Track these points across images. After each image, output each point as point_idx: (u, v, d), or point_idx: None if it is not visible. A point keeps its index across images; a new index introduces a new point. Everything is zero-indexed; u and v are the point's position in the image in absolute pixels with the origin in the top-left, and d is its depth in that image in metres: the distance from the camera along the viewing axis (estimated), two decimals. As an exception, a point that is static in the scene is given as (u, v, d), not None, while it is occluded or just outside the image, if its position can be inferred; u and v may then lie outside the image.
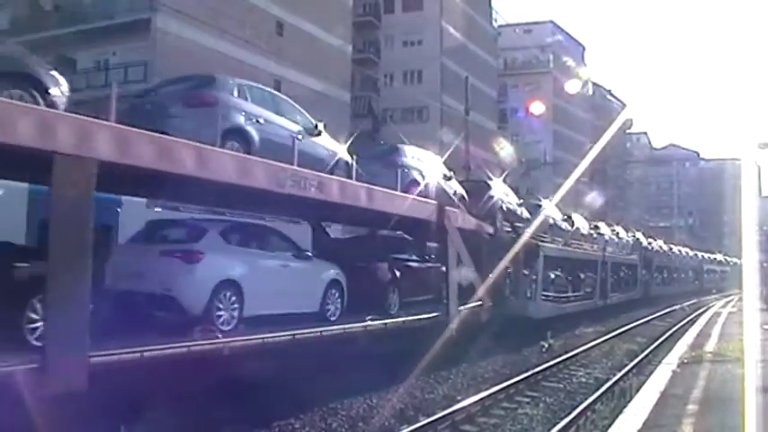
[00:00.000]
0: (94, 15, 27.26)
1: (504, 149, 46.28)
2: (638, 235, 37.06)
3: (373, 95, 43.38)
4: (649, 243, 39.19)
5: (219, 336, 8.48)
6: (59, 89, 7.35)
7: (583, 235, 26.10)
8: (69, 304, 6.57)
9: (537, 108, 47.79)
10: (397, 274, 13.25)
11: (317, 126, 10.98)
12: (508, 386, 11.95)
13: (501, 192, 18.13)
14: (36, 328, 6.80)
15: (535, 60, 64.40)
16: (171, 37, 25.78)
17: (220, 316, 8.87)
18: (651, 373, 11.82)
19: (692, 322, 23.92)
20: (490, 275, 15.40)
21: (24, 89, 6.93)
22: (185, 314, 8.59)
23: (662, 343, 18.79)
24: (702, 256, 59.03)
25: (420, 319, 12.81)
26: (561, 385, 13.02)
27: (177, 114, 8.73)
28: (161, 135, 7.78)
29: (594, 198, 48.77)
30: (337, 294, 11.24)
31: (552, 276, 21.25)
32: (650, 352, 17.06)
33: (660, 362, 13.18)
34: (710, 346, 14.65)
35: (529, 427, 9.82)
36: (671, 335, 20.71)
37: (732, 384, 9.31)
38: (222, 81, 10.03)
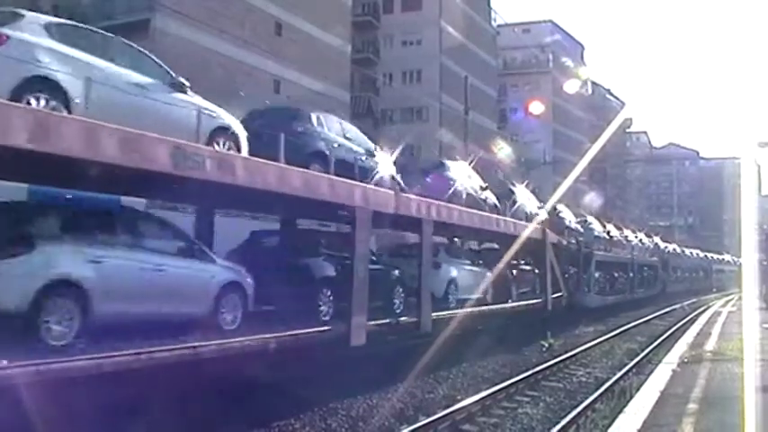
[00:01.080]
0: (93, 16, 27.17)
1: (503, 150, 46.32)
2: (657, 239, 43.08)
3: (372, 95, 43.35)
4: (666, 247, 45.18)
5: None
6: None
7: (615, 242, 32.43)
8: (422, 290, 13.04)
9: (536, 108, 47.77)
10: (515, 273, 19.89)
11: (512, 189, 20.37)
12: (508, 386, 11.95)
13: (569, 215, 25.82)
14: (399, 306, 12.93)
15: (534, 60, 64.39)
16: (170, 37, 25.74)
17: (449, 298, 15.19)
18: (651, 372, 11.80)
19: (692, 321, 23.90)
20: (566, 275, 22.32)
21: None
22: (434, 298, 13.87)
23: (662, 342, 18.80)
24: (712, 257, 62.86)
25: (531, 303, 19.55)
26: (561, 385, 13.02)
27: (425, 185, 14.72)
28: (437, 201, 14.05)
29: (594, 197, 48.83)
30: (493, 289, 17.80)
31: (597, 276, 27.12)
32: (650, 351, 17.06)
33: (660, 361, 13.16)
34: (710, 345, 14.64)
35: (529, 427, 9.81)
36: (671, 334, 20.71)
37: (732, 383, 9.31)
38: (446, 164, 17.23)
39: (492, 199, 18.44)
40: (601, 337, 20.06)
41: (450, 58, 46.07)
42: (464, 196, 16.27)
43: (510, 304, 18.22)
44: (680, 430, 6.89)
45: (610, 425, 7.79)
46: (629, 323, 24.29)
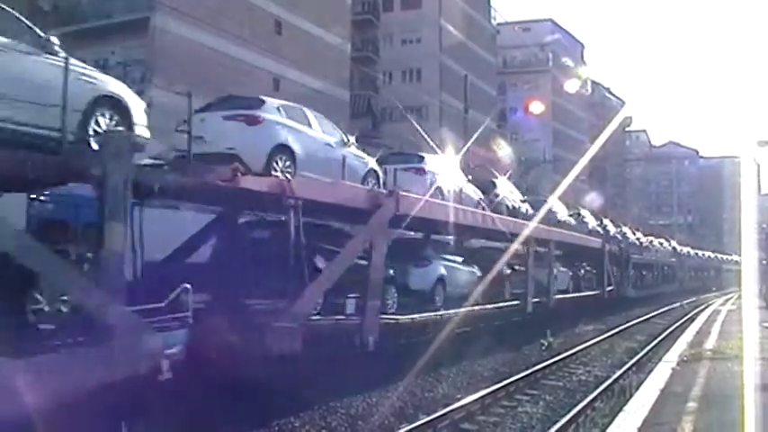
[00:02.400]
0: (93, 15, 27.21)
1: (503, 149, 46.31)
2: (674, 243, 50.14)
3: (372, 94, 43.32)
4: (681, 249, 51.90)
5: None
6: None
7: (644, 247, 39.13)
8: (550, 285, 21.11)
9: (536, 107, 47.82)
10: (583, 272, 27.01)
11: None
12: (508, 384, 11.95)
13: (612, 228, 32.60)
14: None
15: (534, 59, 64.34)
16: (169, 36, 25.75)
17: (553, 289, 21.71)
18: (651, 370, 11.80)
19: (692, 320, 23.90)
20: (614, 274, 29.45)
21: None
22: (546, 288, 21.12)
23: (661, 341, 18.79)
24: (722, 257, 68.88)
25: (593, 294, 26.37)
26: (561, 383, 13.02)
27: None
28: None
29: (594, 196, 48.83)
30: (572, 283, 25.32)
31: (632, 273, 33.55)
32: (650, 350, 17.06)
33: (660, 360, 13.18)
34: (710, 343, 14.64)
35: (528, 426, 9.81)
36: (670, 333, 20.71)
37: (731, 382, 9.31)
38: (549, 202, 22.47)
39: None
40: (600, 335, 20.05)
41: (450, 56, 46.04)
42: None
43: (581, 293, 25.45)
44: (680, 429, 6.89)
45: (610, 423, 7.80)
46: (628, 322, 24.30)
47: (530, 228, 18.22)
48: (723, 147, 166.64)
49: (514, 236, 17.47)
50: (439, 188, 14.41)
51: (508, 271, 18.83)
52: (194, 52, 25.75)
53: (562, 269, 23.70)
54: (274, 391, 8.82)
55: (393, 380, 11.04)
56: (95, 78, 7.40)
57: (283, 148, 10.04)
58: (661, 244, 45.23)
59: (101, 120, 7.26)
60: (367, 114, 41.81)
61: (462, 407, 10.17)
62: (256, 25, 29.40)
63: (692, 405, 7.99)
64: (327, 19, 34.31)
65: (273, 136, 10.00)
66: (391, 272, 12.63)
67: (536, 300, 19.45)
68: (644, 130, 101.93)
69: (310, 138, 10.85)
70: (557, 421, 9.49)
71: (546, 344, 17.19)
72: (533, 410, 10.64)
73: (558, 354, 15.81)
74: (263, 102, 10.71)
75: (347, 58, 37.52)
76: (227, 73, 27.06)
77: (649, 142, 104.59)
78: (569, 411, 10.07)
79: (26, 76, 6.68)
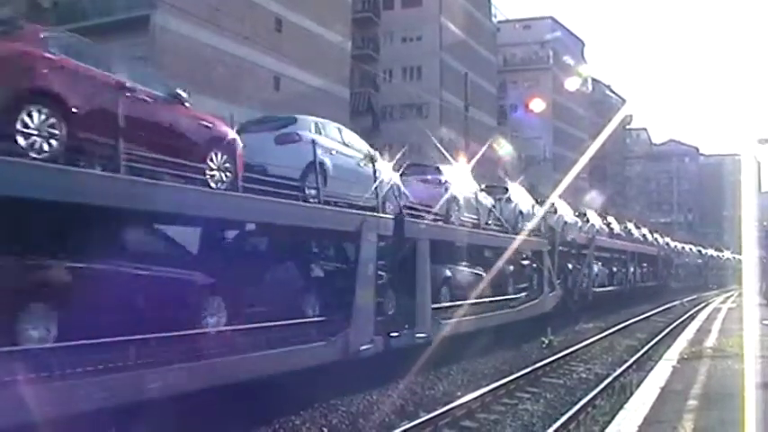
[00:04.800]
0: (93, 12, 27.15)
1: (503, 148, 46.29)
2: (699, 247, 61.12)
3: (372, 92, 43.31)
4: (706, 252, 63.72)
5: None
6: None
7: (681, 252, 51.34)
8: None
9: (536, 105, 47.76)
10: (644, 271, 37.53)
11: None
12: (508, 382, 11.96)
13: (661, 240, 43.45)
14: None
15: (534, 56, 64.29)
16: (170, 34, 25.71)
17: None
18: (651, 368, 11.82)
19: (692, 318, 23.92)
20: (662, 271, 41.17)
21: None
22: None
23: (662, 339, 18.79)
24: (739, 258, 69.75)
25: (652, 285, 38.09)
26: (561, 381, 13.01)
27: None
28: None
29: (594, 195, 48.84)
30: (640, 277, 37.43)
31: (673, 271, 46.13)
32: (650, 348, 17.07)
33: (660, 357, 13.19)
34: (710, 341, 14.67)
35: (529, 423, 9.82)
36: (670, 331, 20.71)
37: (732, 380, 9.32)
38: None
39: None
40: (600, 333, 20.06)
41: (451, 54, 46.01)
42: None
43: (645, 284, 36.57)
44: (680, 427, 6.90)
45: (610, 421, 7.81)
46: (628, 320, 24.29)
47: (636, 246, 33.54)
48: (723, 144, 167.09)
49: (621, 251, 30.73)
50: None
51: (614, 269, 30.96)
52: (195, 50, 25.72)
53: (637, 269, 34.95)
54: (274, 390, 8.83)
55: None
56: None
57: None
58: (691, 249, 57.89)
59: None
60: (367, 112, 41.78)
61: (462, 404, 10.19)
62: (257, 23, 29.33)
63: (692, 403, 8.01)
64: (328, 17, 34.27)
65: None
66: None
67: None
68: (644, 128, 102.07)
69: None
70: (558, 419, 9.51)
71: (546, 342, 17.20)
72: (534, 408, 10.65)
73: (559, 351, 15.83)
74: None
75: (347, 55, 37.47)
76: (227, 71, 27.06)
77: (650, 140, 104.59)
78: (570, 409, 10.10)
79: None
